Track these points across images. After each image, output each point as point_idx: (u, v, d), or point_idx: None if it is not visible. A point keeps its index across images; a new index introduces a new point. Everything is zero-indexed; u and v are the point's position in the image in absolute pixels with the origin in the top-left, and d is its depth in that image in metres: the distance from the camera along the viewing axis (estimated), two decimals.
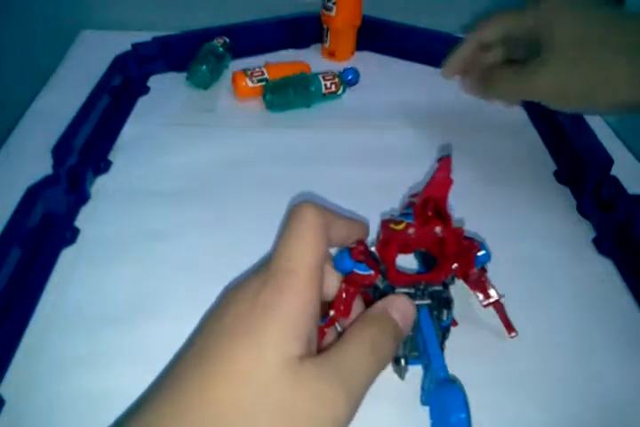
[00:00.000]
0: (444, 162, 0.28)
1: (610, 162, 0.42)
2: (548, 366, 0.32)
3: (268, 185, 0.44)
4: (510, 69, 0.40)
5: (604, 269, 0.38)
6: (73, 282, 0.36)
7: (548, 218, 0.42)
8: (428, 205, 0.29)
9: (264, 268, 0.25)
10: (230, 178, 0.45)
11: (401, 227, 0.29)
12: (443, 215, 0.29)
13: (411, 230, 0.29)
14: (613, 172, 0.42)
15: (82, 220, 0.40)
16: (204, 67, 0.54)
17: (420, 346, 0.29)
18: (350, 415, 0.23)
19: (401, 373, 0.29)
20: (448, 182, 0.28)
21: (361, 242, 0.29)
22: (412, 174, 0.43)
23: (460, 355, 0.29)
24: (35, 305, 0.34)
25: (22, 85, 0.60)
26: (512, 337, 0.32)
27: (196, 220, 0.40)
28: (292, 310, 0.23)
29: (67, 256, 0.38)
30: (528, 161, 0.48)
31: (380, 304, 0.27)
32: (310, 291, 0.24)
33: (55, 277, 0.36)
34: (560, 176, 0.46)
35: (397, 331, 0.26)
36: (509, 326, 0.32)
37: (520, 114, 0.54)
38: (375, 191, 0.42)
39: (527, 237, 0.40)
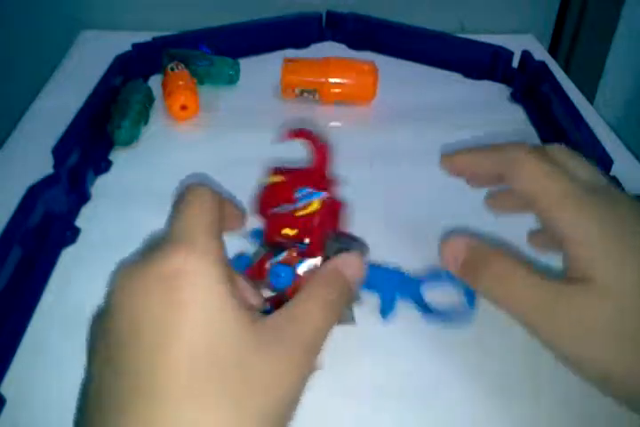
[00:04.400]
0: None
1: (610, 162, 0.42)
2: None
3: None
4: (535, 277, 0.26)
5: None
6: (73, 282, 0.36)
7: None
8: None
9: (161, 244, 0.22)
10: (231, 178, 0.45)
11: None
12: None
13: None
14: (613, 172, 0.42)
15: (82, 219, 0.40)
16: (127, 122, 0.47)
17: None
18: (308, 375, 0.23)
19: (348, 318, 0.30)
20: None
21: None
22: (408, 174, 0.43)
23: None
24: (35, 305, 0.34)
25: (22, 85, 0.60)
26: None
27: None
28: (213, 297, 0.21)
29: (67, 256, 0.38)
30: None
31: (331, 263, 0.27)
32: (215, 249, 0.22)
33: (55, 277, 0.36)
34: None
35: (348, 289, 0.26)
36: None
37: (520, 114, 0.54)
38: (373, 192, 0.42)
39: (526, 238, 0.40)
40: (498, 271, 0.27)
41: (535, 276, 0.26)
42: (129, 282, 0.22)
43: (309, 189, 0.30)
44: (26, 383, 0.30)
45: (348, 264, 0.27)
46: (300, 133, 0.32)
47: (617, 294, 0.24)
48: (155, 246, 0.22)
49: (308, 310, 0.24)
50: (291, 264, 0.30)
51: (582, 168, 0.28)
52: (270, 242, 0.31)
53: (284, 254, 0.30)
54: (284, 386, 0.21)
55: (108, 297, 0.22)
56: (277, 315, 0.23)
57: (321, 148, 0.31)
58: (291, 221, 0.30)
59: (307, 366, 0.23)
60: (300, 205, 0.30)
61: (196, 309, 0.20)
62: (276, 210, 0.31)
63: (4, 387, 0.30)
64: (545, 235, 0.31)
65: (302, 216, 0.30)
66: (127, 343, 0.21)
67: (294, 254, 0.30)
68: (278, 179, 0.31)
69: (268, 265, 0.30)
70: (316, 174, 0.31)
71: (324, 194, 0.31)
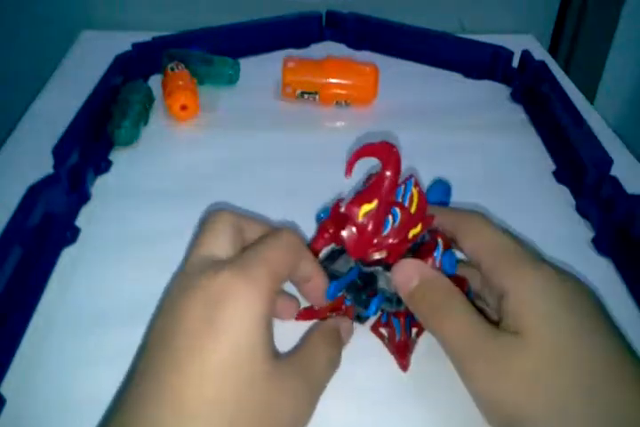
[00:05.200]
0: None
1: (610, 162, 0.42)
2: None
3: (269, 186, 0.44)
4: (472, 316, 0.27)
5: (604, 269, 0.38)
6: (73, 282, 0.36)
7: (548, 218, 0.42)
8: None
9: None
10: (231, 178, 0.45)
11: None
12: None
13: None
14: (613, 172, 0.42)
15: (83, 219, 0.40)
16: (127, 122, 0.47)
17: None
18: (312, 413, 0.26)
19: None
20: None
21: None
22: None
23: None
24: (35, 305, 0.34)
25: (23, 85, 0.61)
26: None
27: (196, 220, 0.40)
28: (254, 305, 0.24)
29: (67, 256, 0.38)
30: (528, 161, 0.48)
31: (332, 322, 0.30)
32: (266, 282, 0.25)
33: (55, 277, 0.36)
34: (560, 176, 0.46)
35: (342, 346, 0.30)
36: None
37: (520, 114, 0.54)
38: None
39: (526, 237, 0.40)
40: (436, 303, 0.28)
41: (473, 315, 0.27)
42: (179, 289, 0.26)
43: (401, 186, 0.29)
44: (26, 383, 0.30)
45: (344, 329, 0.30)
46: (362, 152, 0.28)
47: (540, 347, 0.25)
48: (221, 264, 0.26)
49: (317, 360, 0.27)
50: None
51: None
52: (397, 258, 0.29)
53: (441, 243, 0.30)
54: (292, 411, 0.25)
55: (162, 300, 0.27)
56: (291, 359, 0.26)
57: (390, 155, 0.28)
58: (412, 222, 0.29)
59: (312, 400, 0.26)
60: (406, 204, 0.29)
61: (229, 331, 0.23)
62: (387, 230, 0.28)
63: (4, 387, 0.30)
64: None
65: (416, 211, 0.29)
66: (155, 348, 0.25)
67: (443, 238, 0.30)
68: (371, 206, 0.28)
69: (437, 257, 0.29)
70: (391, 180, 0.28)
71: (411, 179, 0.29)
